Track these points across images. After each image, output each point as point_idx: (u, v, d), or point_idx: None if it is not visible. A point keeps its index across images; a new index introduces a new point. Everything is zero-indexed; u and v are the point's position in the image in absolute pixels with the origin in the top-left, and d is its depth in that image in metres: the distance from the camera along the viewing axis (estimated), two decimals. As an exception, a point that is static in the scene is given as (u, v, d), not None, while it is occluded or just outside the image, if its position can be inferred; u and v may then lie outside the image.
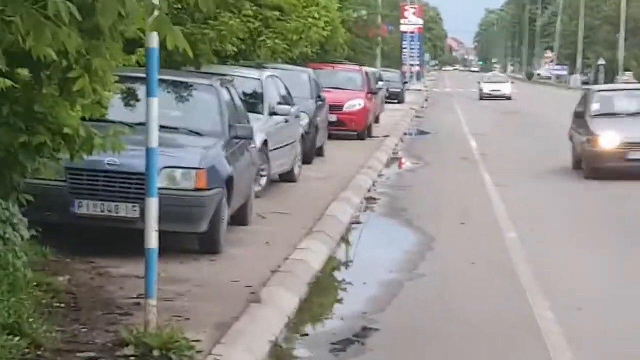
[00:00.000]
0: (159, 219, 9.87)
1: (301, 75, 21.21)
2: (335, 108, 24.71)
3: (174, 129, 10.94)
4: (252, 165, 12.19)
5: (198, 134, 10.99)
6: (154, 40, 6.82)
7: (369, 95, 27.87)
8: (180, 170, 10.00)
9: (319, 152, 21.11)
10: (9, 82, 6.53)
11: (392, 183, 19.16)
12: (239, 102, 12.49)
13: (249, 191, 12.04)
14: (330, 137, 23.26)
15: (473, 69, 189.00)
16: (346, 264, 11.68)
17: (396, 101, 47.95)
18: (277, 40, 18.18)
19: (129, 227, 9.64)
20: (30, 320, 6.87)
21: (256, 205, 12.98)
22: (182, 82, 11.69)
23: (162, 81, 11.58)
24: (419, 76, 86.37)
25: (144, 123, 11.09)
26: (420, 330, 8.37)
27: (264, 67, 17.94)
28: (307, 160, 18.94)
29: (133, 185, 9.78)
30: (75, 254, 9.75)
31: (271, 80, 16.59)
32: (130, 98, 11.20)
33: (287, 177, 16.73)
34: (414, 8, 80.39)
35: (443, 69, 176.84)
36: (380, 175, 19.91)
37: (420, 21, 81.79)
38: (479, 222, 14.45)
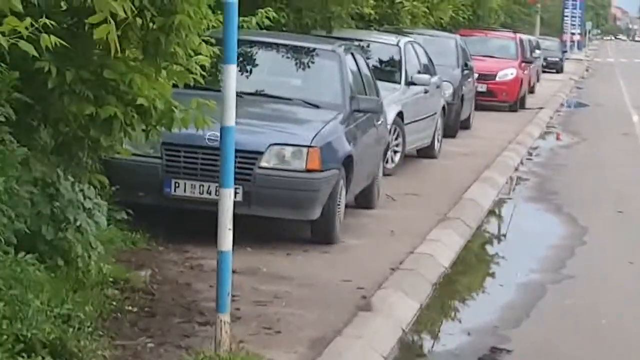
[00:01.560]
0: (266, 203, 8.72)
1: (447, 41, 19.59)
2: (486, 77, 23.23)
3: (287, 100, 9.69)
4: (378, 142, 10.73)
5: (314, 105, 9.59)
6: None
7: (523, 64, 26.12)
8: (290, 148, 8.67)
9: (465, 125, 19.50)
10: (54, 39, 5.22)
11: (543, 161, 17.49)
12: (366, 71, 11.03)
13: (375, 171, 10.63)
14: (479, 107, 21.65)
15: (637, 38, 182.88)
16: (480, 260, 10.16)
17: (554, 71, 45.85)
18: (415, 2, 16.63)
19: (231, 212, 8.37)
20: (81, 333, 5.65)
21: (387, 185, 11.63)
22: (298, 47, 10.26)
23: (274, 45, 10.35)
24: (580, 45, 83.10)
25: (255, 93, 9.99)
26: (563, 356, 6.83)
27: (405, 33, 16.46)
28: (450, 133, 17.40)
29: (236, 165, 8.45)
30: (170, 241, 8.57)
31: (410, 47, 15.07)
32: (244, 64, 10.02)
33: (426, 153, 15.24)
34: (577, -26, 77.20)
35: (604, 38, 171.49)
36: (530, 152, 18.25)
37: (583, -12, 78.58)
38: (640, 210, 12.76)
